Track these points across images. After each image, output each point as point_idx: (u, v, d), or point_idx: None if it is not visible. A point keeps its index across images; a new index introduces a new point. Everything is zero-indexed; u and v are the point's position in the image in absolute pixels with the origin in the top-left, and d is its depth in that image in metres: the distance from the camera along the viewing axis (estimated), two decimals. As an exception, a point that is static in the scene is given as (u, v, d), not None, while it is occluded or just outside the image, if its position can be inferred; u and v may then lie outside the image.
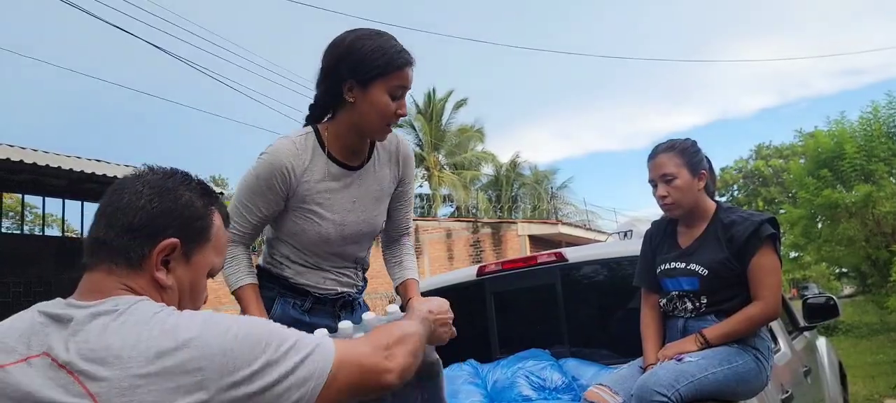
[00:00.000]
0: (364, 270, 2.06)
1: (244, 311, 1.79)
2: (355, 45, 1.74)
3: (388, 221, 2.04)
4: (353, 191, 1.87)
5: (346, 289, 1.97)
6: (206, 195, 1.18)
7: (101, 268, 1.07)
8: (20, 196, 10.15)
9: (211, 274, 1.20)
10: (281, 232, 1.90)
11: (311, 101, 1.88)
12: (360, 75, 1.73)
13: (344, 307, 1.98)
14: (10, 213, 20.31)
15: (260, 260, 1.99)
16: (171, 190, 1.13)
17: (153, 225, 1.09)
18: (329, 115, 1.86)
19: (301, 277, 1.90)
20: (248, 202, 1.81)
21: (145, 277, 1.08)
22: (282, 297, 1.89)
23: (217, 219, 1.18)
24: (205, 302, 1.21)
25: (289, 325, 1.83)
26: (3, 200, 10.77)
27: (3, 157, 8.34)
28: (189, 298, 1.15)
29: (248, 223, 1.85)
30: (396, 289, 2.06)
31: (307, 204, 1.81)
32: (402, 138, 2.04)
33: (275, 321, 1.82)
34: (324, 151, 1.82)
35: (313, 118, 1.88)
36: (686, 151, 2.32)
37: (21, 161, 8.51)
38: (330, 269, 1.93)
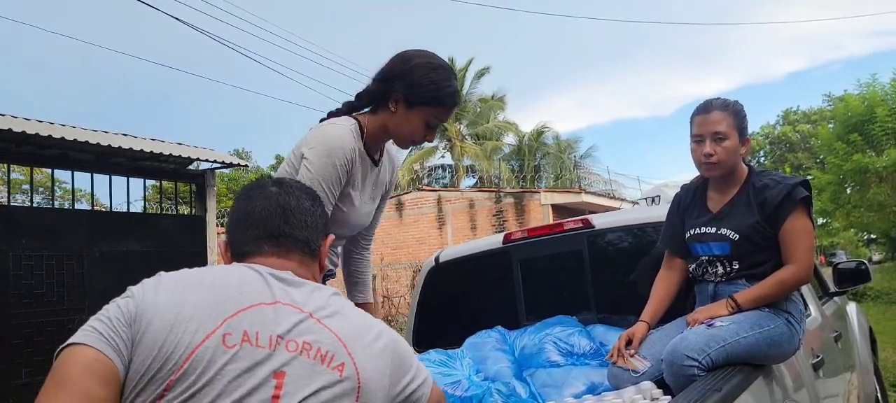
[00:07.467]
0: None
1: None
2: (416, 70, 1.91)
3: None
4: (370, 183, 2.00)
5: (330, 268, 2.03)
6: None
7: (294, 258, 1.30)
8: (50, 171, 10.32)
9: None
10: None
11: (361, 91, 2.01)
12: (410, 96, 1.91)
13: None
14: (40, 189, 20.69)
15: None
16: (317, 198, 1.42)
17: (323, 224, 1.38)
18: (368, 109, 2.01)
19: None
20: (328, 191, 1.86)
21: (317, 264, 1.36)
22: None
23: None
24: None
25: None
26: (34, 175, 10.96)
27: (33, 132, 8.48)
28: None
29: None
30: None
31: (346, 189, 1.90)
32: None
33: None
34: (362, 141, 1.95)
35: (355, 107, 2.01)
36: (738, 114, 2.29)
37: (50, 136, 8.64)
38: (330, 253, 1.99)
